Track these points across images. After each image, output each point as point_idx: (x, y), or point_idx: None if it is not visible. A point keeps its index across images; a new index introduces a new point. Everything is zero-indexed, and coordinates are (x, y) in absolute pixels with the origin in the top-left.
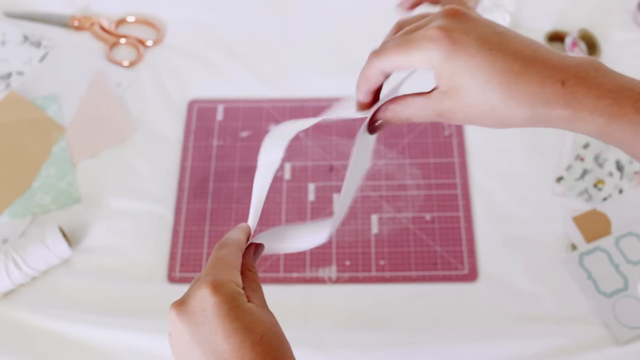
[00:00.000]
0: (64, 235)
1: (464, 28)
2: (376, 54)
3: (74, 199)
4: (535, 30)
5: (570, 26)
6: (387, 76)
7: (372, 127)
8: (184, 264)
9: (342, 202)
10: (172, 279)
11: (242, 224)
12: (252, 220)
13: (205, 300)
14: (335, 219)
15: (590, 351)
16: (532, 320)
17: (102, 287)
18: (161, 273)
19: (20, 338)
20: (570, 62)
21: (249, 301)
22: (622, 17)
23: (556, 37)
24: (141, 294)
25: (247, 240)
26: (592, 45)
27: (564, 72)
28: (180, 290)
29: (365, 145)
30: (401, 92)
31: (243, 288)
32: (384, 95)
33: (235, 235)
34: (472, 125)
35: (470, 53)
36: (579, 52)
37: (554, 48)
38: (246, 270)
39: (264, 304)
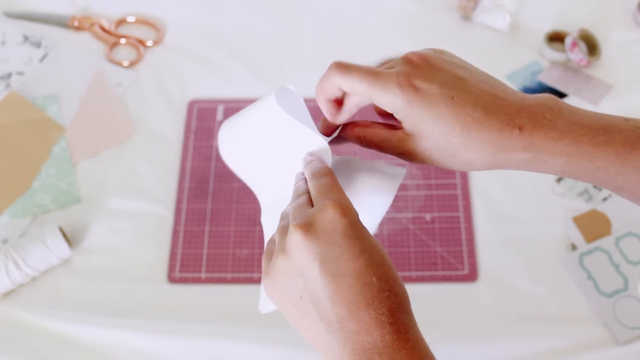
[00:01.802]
0: (64, 235)
1: (427, 76)
2: (340, 68)
3: (74, 199)
4: (535, 30)
5: (570, 26)
6: (342, 94)
7: (338, 138)
8: (184, 264)
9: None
10: (172, 279)
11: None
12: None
13: (334, 221)
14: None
15: (590, 351)
16: (532, 320)
17: (102, 287)
18: (161, 273)
19: (20, 338)
20: (527, 103)
21: None
22: (622, 17)
23: (556, 37)
24: (141, 294)
25: None
26: (592, 45)
27: (520, 116)
28: (181, 290)
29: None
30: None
31: None
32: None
33: (323, 164)
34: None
35: (433, 102)
36: (579, 52)
37: (554, 48)
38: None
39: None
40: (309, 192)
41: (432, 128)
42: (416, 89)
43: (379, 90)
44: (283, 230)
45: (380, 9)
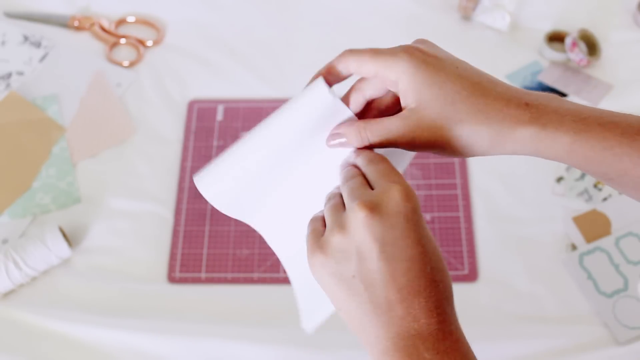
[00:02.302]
0: (64, 235)
1: (430, 49)
2: (351, 50)
3: (74, 199)
4: (535, 30)
5: (570, 26)
6: (347, 74)
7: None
8: (184, 264)
9: None
10: (172, 279)
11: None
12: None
13: (400, 205)
14: None
15: (590, 351)
16: (532, 320)
17: (102, 287)
18: (161, 273)
19: (20, 338)
20: (532, 93)
21: None
22: (622, 17)
23: (556, 37)
24: (141, 294)
25: None
26: (592, 45)
27: (527, 96)
28: (181, 290)
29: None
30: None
31: None
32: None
33: (377, 153)
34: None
35: (439, 66)
36: (579, 52)
37: (554, 48)
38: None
39: None
40: (363, 175)
41: (437, 92)
42: (422, 52)
43: (384, 58)
44: (336, 208)
45: (380, 9)
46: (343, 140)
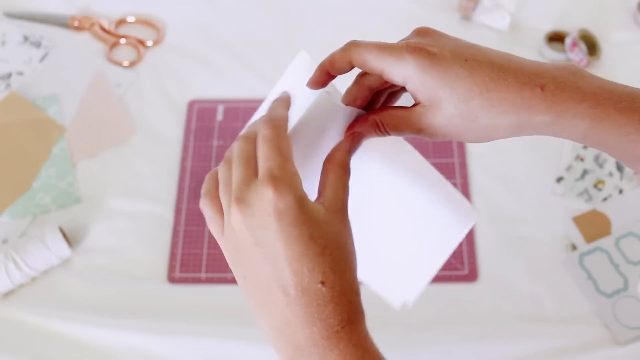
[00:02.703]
0: (64, 235)
1: (437, 43)
2: (355, 43)
3: (74, 199)
4: (535, 30)
5: (570, 26)
6: (350, 68)
7: (353, 144)
8: (184, 264)
9: None
10: (172, 279)
11: (285, 95)
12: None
13: (270, 204)
14: None
15: (590, 351)
16: (532, 320)
17: (102, 287)
18: (161, 273)
19: (20, 338)
20: (547, 67)
21: (318, 202)
22: (622, 17)
23: (556, 37)
24: (141, 294)
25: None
26: (592, 45)
27: (542, 76)
28: (181, 290)
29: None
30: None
31: (322, 188)
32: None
33: (284, 112)
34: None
35: (447, 65)
36: (579, 52)
37: (554, 48)
38: (337, 167)
39: (339, 208)
40: (255, 156)
41: (449, 92)
42: (428, 53)
43: (390, 59)
44: (228, 192)
45: (380, 9)
46: (363, 138)
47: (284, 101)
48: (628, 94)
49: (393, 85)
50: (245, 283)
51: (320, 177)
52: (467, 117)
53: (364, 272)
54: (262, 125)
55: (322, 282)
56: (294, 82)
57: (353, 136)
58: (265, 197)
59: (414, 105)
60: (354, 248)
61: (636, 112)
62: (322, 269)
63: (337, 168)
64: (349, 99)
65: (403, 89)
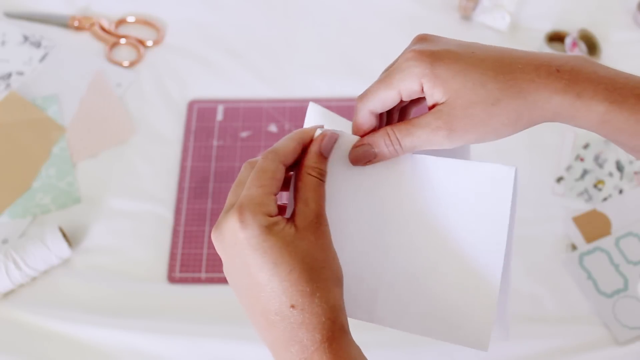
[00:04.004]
0: (64, 235)
1: (437, 44)
2: (361, 97)
3: (74, 199)
4: (535, 30)
5: (570, 26)
6: (377, 117)
7: (324, 144)
8: (184, 264)
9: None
10: (172, 279)
11: (301, 130)
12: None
13: (235, 232)
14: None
15: (590, 351)
16: (532, 320)
17: (102, 287)
18: (161, 273)
19: (20, 338)
20: (560, 56)
21: (290, 222)
22: (622, 17)
23: (556, 37)
24: (141, 294)
25: (305, 144)
26: (592, 45)
27: (556, 61)
28: (181, 290)
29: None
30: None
31: (295, 201)
32: None
33: (283, 143)
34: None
35: (453, 59)
36: (579, 52)
37: (554, 48)
38: (305, 174)
39: (309, 221)
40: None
41: (463, 79)
42: (431, 52)
43: (397, 79)
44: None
45: (380, 9)
46: (373, 151)
47: (296, 134)
48: None
49: (401, 103)
50: (240, 302)
51: (291, 189)
52: (487, 101)
53: (417, 321)
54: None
55: (292, 306)
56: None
57: (322, 136)
58: (231, 227)
59: (430, 107)
60: (332, 259)
61: None
62: (290, 293)
63: (305, 176)
64: (354, 130)
65: (412, 103)
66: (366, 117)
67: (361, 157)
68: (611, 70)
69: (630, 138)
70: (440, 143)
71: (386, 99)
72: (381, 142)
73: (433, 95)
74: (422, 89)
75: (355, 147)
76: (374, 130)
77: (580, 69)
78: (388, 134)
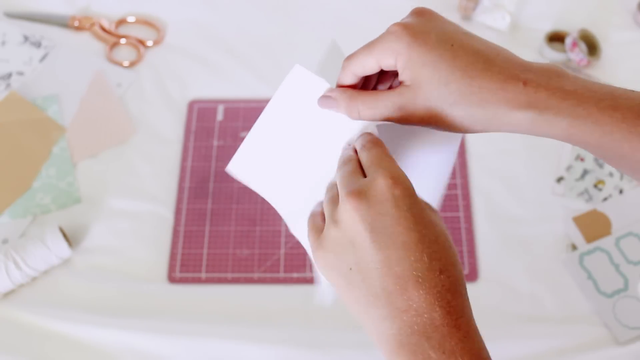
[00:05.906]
0: (64, 235)
1: (425, 25)
2: (348, 58)
3: (74, 199)
4: (535, 30)
5: (570, 26)
6: (360, 78)
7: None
8: (184, 264)
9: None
10: (172, 279)
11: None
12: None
13: (386, 191)
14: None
15: (590, 351)
16: (532, 320)
17: (102, 287)
18: (161, 273)
19: (20, 338)
20: (532, 65)
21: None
22: (622, 17)
23: (556, 37)
24: (141, 294)
25: None
26: (592, 45)
27: (526, 73)
28: (181, 290)
29: None
30: None
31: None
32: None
33: (374, 135)
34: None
35: (430, 45)
36: (579, 52)
37: (554, 48)
38: (375, 148)
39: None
40: (358, 161)
41: (431, 72)
42: (414, 32)
43: (377, 48)
44: (333, 200)
45: (380, 9)
46: (333, 103)
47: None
48: (610, 92)
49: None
50: (350, 275)
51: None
52: (445, 100)
53: None
54: (360, 140)
55: (440, 271)
56: (293, 97)
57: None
58: (380, 185)
59: (397, 86)
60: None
61: (618, 110)
62: (439, 256)
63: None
64: (337, 86)
65: (391, 76)
66: (349, 77)
67: (325, 106)
68: (579, 82)
69: (597, 149)
70: (397, 122)
71: (366, 65)
72: (344, 104)
73: (403, 74)
74: (396, 62)
75: (323, 96)
76: (353, 86)
77: (548, 82)
78: (352, 98)
